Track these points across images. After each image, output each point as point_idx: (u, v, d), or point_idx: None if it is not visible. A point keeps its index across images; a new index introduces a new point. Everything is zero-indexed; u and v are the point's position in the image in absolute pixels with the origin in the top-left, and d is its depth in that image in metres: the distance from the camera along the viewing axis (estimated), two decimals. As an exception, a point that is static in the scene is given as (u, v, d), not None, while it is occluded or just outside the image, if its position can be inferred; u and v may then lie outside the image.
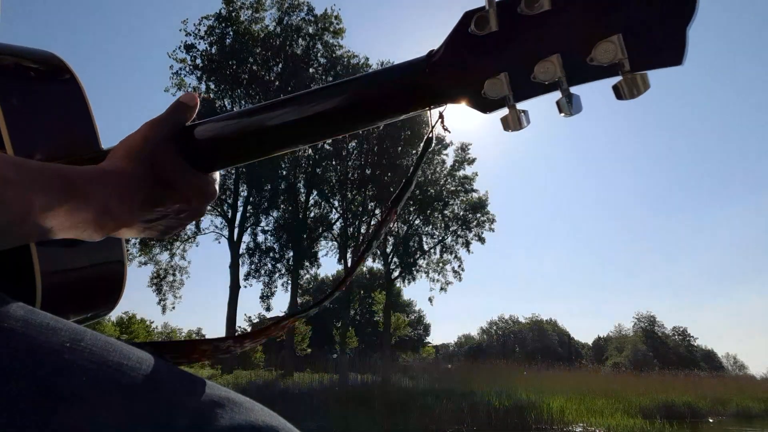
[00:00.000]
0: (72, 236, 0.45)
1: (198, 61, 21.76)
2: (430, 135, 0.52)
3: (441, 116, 0.51)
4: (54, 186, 0.41)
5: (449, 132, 0.52)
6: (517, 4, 0.43)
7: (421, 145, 0.53)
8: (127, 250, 0.69)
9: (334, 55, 22.38)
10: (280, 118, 0.53)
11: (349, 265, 22.08)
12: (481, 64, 0.46)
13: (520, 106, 0.46)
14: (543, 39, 0.43)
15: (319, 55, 22.37)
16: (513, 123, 0.45)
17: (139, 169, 0.50)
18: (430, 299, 24.28)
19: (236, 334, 0.49)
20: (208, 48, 21.82)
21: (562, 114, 0.43)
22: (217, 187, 0.57)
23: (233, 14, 21.75)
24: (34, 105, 0.61)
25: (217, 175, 0.58)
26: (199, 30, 21.81)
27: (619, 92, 0.41)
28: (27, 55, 0.65)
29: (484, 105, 0.47)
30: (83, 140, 0.63)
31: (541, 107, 0.47)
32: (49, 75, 0.65)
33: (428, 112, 0.51)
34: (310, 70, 22.02)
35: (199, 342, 0.47)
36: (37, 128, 0.60)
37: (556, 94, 0.44)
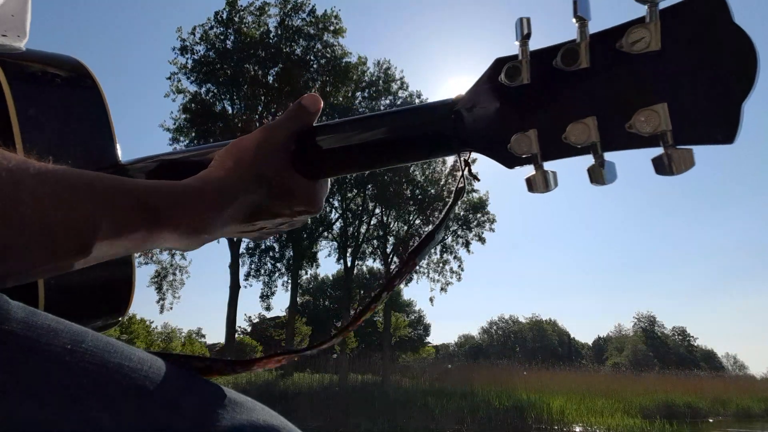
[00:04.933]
0: (155, 248, 0.44)
1: (196, 64, 21.73)
2: (462, 185, 0.49)
3: (467, 164, 0.49)
4: (127, 210, 0.40)
5: (478, 180, 0.50)
6: (552, 57, 0.40)
7: (452, 196, 0.49)
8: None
9: (332, 55, 22.37)
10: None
11: (348, 267, 22.33)
12: (509, 117, 0.43)
13: (547, 166, 0.42)
14: (579, 98, 0.40)
15: (319, 56, 22.36)
16: (539, 185, 0.42)
17: (245, 183, 0.48)
18: (431, 299, 24.27)
19: (230, 358, 0.49)
20: (206, 52, 21.80)
21: (594, 183, 0.39)
22: (323, 201, 0.54)
23: (235, 17, 21.73)
24: (51, 112, 0.60)
25: (326, 185, 0.55)
26: (194, 36, 21.79)
27: (659, 167, 0.37)
28: (48, 60, 0.63)
29: (510, 160, 0.44)
30: (100, 151, 0.61)
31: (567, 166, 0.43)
32: (70, 82, 0.63)
33: (458, 157, 0.48)
34: (311, 71, 22.01)
35: (193, 358, 0.46)
36: (52, 137, 0.58)
37: (588, 158, 0.40)
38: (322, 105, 0.54)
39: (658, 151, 0.37)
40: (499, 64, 0.43)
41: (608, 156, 0.40)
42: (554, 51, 0.40)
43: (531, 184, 0.42)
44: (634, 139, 0.38)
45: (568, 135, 0.40)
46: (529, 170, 0.43)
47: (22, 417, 0.32)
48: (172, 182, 0.45)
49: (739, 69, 0.35)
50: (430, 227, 0.51)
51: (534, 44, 0.42)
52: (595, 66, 0.39)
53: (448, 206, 0.49)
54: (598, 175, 0.39)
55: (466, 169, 0.49)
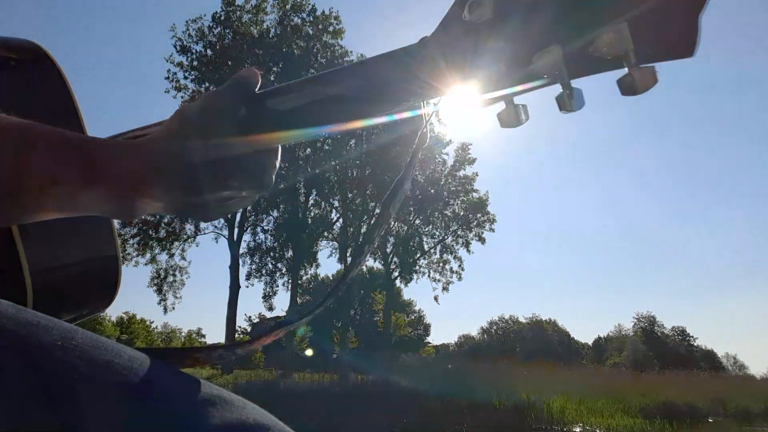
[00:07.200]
0: (96, 213, 0.43)
1: (194, 62, 21.74)
2: (424, 130, 0.49)
3: (435, 108, 0.49)
4: (67, 160, 0.39)
5: (445, 125, 0.50)
6: None
7: (416, 140, 0.49)
8: (123, 248, 0.68)
9: (333, 55, 22.38)
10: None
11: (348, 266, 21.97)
12: (476, 54, 0.43)
13: (518, 100, 0.43)
14: (542, 28, 0.40)
15: (318, 56, 22.36)
16: (509, 119, 0.42)
17: (188, 146, 0.46)
18: (435, 298, 24.28)
19: (227, 343, 0.48)
20: (203, 50, 21.81)
21: (563, 111, 0.40)
22: (272, 177, 0.52)
23: (232, 15, 21.74)
24: (12, 94, 0.59)
25: (274, 160, 0.52)
26: (190, 34, 21.80)
27: (624, 87, 0.38)
28: (2, 43, 0.62)
29: (480, 98, 0.44)
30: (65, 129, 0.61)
31: (542, 104, 0.44)
32: (28, 63, 0.62)
33: (422, 105, 0.48)
34: (311, 71, 22.00)
35: (193, 350, 0.46)
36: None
37: (556, 88, 0.41)
38: (260, 78, 0.52)
39: (623, 72, 0.38)
40: (462, 1, 0.43)
41: (575, 83, 0.40)
42: None
43: (502, 120, 0.42)
44: (599, 62, 0.39)
45: (534, 65, 0.40)
46: (499, 106, 0.43)
47: (11, 413, 0.32)
48: (115, 139, 0.44)
49: None
50: (399, 174, 0.50)
51: None
52: None
53: (412, 152, 0.49)
54: (567, 102, 0.39)
55: (434, 113, 0.49)
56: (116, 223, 0.66)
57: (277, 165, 0.52)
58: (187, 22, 21.83)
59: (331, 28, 22.53)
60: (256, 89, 0.52)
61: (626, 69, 0.38)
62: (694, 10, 0.35)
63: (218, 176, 0.48)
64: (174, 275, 22.40)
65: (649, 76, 0.37)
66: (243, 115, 0.49)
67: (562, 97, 0.40)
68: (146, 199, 0.44)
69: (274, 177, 0.52)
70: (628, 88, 0.37)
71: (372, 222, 0.49)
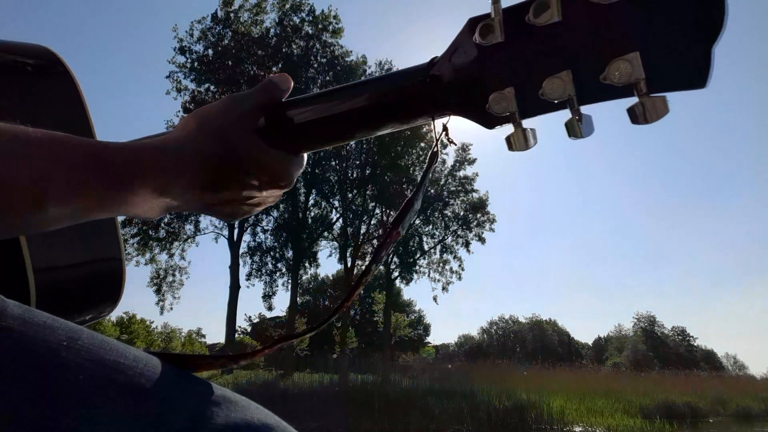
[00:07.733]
0: (107, 216, 0.43)
1: (195, 63, 21.74)
2: (435, 149, 0.49)
3: (445, 128, 0.49)
4: (81, 166, 0.39)
5: (454, 144, 0.50)
6: (525, 13, 0.40)
7: (427, 159, 0.49)
8: (125, 249, 0.68)
9: (333, 55, 22.39)
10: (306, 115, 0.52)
11: (348, 267, 22.33)
12: (486, 76, 0.43)
13: (526, 123, 0.42)
14: (552, 53, 0.40)
15: (318, 55, 22.37)
16: (518, 143, 0.42)
17: (209, 147, 0.47)
18: (434, 298, 24.32)
19: (231, 353, 0.49)
20: (204, 50, 21.83)
21: (572, 137, 0.40)
22: (295, 178, 0.53)
23: (231, 15, 21.76)
24: (25, 100, 0.59)
25: (299, 161, 0.54)
26: (192, 34, 21.83)
27: (634, 116, 0.37)
28: (17, 49, 0.63)
29: (489, 120, 0.44)
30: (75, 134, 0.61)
31: (547, 121, 0.44)
32: (41, 69, 0.63)
33: (432, 123, 0.49)
34: (310, 70, 22.01)
35: (196, 357, 0.46)
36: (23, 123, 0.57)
37: (566, 113, 0.40)
38: (292, 84, 0.54)
39: (633, 100, 0.38)
40: (473, 23, 0.43)
41: (585, 109, 0.40)
42: (526, 6, 0.40)
43: (511, 143, 0.42)
44: (609, 90, 0.39)
45: (545, 90, 0.40)
46: (508, 129, 0.43)
47: (18, 412, 0.32)
48: (130, 141, 0.44)
49: (709, 13, 0.35)
50: (409, 194, 0.51)
51: (506, 2, 0.42)
52: (566, 19, 0.39)
53: (423, 171, 0.49)
54: (576, 128, 0.39)
55: (443, 133, 0.49)
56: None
57: (296, 172, 0.54)
58: (192, 23, 21.86)
59: (330, 27, 22.53)
60: (285, 96, 0.53)
61: (637, 98, 0.37)
62: (708, 41, 0.35)
63: (232, 177, 0.49)
64: (173, 275, 22.40)
65: (660, 106, 0.36)
66: (261, 123, 0.51)
67: (572, 122, 0.40)
68: (167, 199, 0.45)
69: (293, 181, 0.54)
70: (638, 117, 0.37)
71: (380, 241, 0.50)
